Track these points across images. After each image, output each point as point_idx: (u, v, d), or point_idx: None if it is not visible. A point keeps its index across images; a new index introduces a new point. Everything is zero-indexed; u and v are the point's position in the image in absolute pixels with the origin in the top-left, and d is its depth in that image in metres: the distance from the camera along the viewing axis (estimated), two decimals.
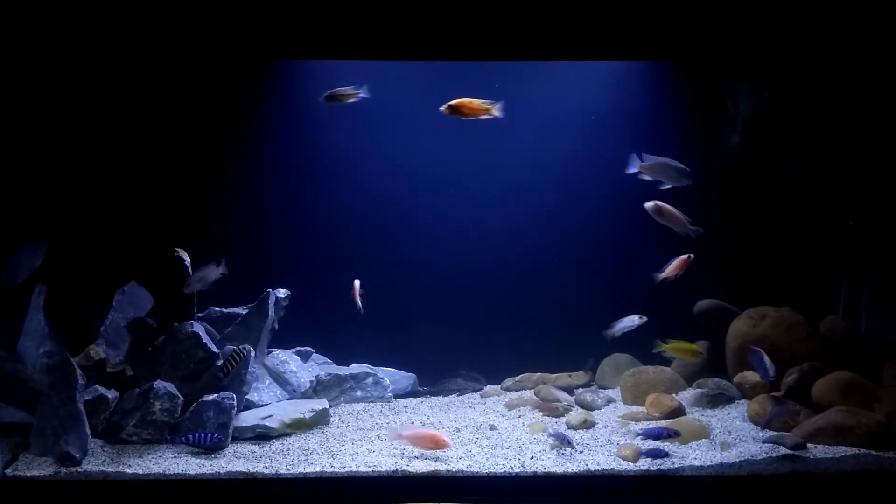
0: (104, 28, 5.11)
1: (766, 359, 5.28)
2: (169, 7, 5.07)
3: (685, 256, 5.39)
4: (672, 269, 5.41)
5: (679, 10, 5.10)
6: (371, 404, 6.03)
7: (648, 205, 5.24)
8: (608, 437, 5.16)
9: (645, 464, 4.71)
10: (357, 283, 5.69)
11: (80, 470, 4.67)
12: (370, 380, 6.11)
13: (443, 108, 5.10)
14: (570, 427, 5.34)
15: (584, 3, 5.09)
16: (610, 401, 5.99)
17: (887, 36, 5.14)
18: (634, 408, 5.83)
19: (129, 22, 5.10)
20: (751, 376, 5.73)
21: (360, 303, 5.66)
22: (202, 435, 4.88)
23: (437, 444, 4.83)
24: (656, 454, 4.76)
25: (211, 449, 4.90)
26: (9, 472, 4.64)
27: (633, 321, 5.54)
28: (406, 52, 5.35)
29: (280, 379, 5.78)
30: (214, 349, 5.36)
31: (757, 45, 5.27)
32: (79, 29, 5.10)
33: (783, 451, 4.79)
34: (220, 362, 5.32)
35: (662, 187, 5.23)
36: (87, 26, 5.08)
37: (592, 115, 6.35)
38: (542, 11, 5.11)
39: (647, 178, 5.21)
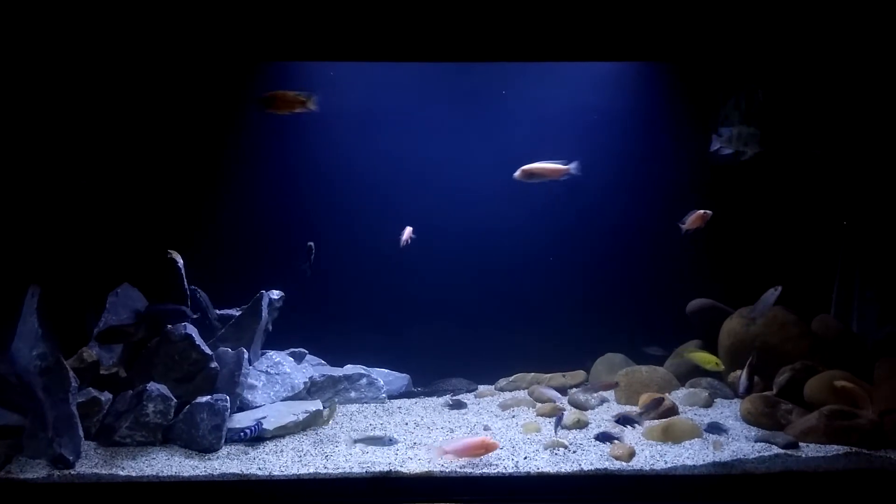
0: (99, 30, 5.11)
1: (744, 375, 5.32)
2: (163, 9, 5.07)
3: (702, 211, 5.44)
4: (692, 221, 5.45)
5: (675, 11, 5.12)
6: (365, 405, 6.03)
7: (516, 174, 5.31)
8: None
9: (638, 463, 4.72)
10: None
11: (73, 472, 4.66)
12: (364, 381, 6.11)
13: (257, 99, 5.03)
14: (563, 427, 5.34)
15: (582, 5, 5.12)
16: (603, 401, 6.00)
17: (883, 35, 5.16)
18: (628, 407, 5.85)
19: (125, 23, 5.10)
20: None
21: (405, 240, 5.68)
22: (251, 428, 5.03)
23: (487, 448, 4.74)
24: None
25: (257, 438, 5.08)
26: (2, 474, 4.63)
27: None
28: (401, 54, 5.36)
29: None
30: (208, 351, 5.35)
31: (751, 44, 5.29)
32: (74, 31, 5.10)
33: (775, 450, 4.81)
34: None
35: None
36: (82, 28, 5.09)
37: (595, 115, 6.36)
38: (540, 12, 5.13)
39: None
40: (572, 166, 5.33)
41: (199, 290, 5.74)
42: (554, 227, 6.45)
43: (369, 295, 6.46)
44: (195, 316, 5.50)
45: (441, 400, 6.17)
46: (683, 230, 5.46)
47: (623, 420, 5.12)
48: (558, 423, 5.22)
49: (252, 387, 5.59)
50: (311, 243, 5.59)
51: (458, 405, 5.94)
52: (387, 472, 4.66)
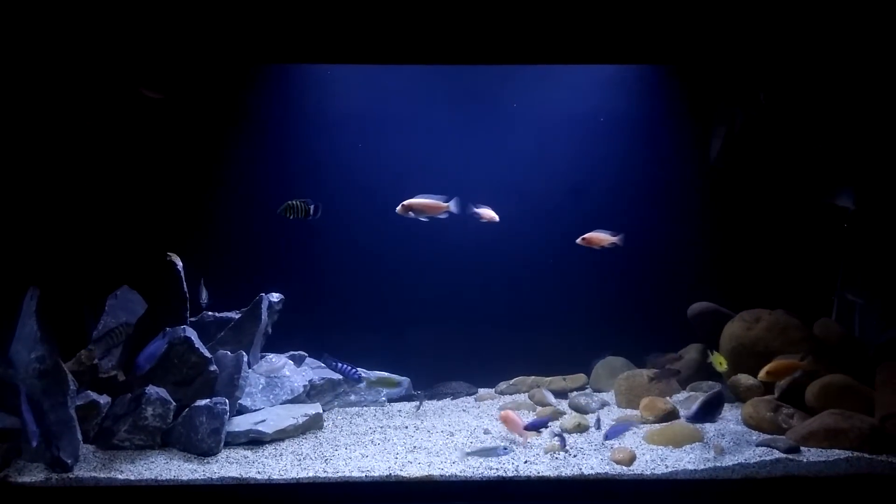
0: (99, 31, 5.10)
1: (700, 402, 5.39)
2: (164, 10, 5.06)
3: (602, 235, 5.49)
4: (589, 239, 5.50)
5: (677, 14, 5.12)
6: (365, 408, 6.02)
7: (398, 209, 5.37)
8: (602, 441, 5.15)
9: (639, 468, 4.70)
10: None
11: (71, 476, 4.64)
12: (364, 384, 6.09)
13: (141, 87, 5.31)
14: (564, 431, 5.33)
15: (582, 8, 5.11)
16: (604, 404, 5.98)
17: (882, 38, 5.15)
18: (629, 411, 5.83)
19: (124, 25, 5.09)
20: (744, 379, 5.73)
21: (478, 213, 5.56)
22: (347, 368, 5.39)
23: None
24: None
25: (354, 381, 5.51)
26: None
27: None
28: (403, 57, 5.36)
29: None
30: (207, 354, 5.33)
31: (752, 46, 5.29)
32: (73, 32, 5.10)
33: (777, 454, 4.79)
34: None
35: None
36: (81, 30, 5.08)
37: (600, 118, 6.36)
38: (542, 15, 5.13)
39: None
40: (451, 204, 5.36)
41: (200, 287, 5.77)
42: (555, 230, 6.42)
43: (370, 298, 6.44)
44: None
45: (440, 403, 6.15)
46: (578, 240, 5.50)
47: (532, 426, 5.11)
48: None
49: (251, 391, 5.58)
50: (291, 200, 5.45)
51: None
52: (386, 475, 4.64)
